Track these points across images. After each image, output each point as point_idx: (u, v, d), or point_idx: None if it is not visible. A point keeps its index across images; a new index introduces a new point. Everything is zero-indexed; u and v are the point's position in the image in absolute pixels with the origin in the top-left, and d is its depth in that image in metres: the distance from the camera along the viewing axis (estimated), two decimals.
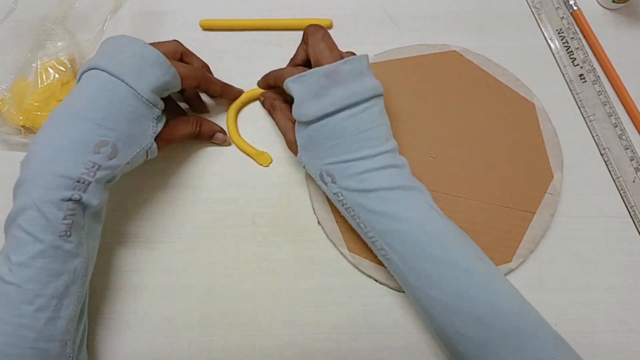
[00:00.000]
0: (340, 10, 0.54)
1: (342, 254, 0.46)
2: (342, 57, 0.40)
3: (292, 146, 0.43)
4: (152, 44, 0.42)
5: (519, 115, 0.49)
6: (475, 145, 0.49)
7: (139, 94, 0.39)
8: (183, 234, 0.47)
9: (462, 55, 0.51)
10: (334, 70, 0.39)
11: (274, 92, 0.49)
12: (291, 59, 0.47)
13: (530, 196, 0.47)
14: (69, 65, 0.49)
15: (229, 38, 0.53)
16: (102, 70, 0.38)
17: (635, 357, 0.44)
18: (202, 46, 0.51)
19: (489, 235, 0.46)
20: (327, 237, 0.47)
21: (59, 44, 0.49)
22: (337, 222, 0.46)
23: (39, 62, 0.48)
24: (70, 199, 0.36)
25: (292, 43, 0.53)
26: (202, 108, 0.50)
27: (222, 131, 0.49)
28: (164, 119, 0.43)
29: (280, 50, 0.53)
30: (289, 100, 0.45)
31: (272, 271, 0.46)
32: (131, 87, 0.38)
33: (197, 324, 0.45)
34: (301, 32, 0.53)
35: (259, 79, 0.50)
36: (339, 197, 0.40)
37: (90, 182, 0.37)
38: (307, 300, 0.46)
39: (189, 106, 0.50)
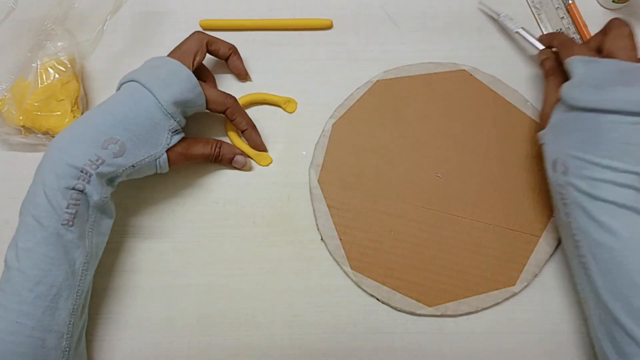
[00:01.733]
0: (340, 10, 0.54)
1: (344, 272, 0.46)
2: (633, 58, 0.39)
3: (544, 117, 0.43)
4: (177, 48, 0.45)
5: (526, 137, 0.49)
6: (482, 166, 0.48)
7: (159, 102, 0.41)
8: (183, 234, 0.47)
9: (471, 75, 0.51)
10: (630, 69, 0.38)
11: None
12: (585, 42, 0.45)
13: (536, 219, 0.47)
14: (69, 65, 0.49)
15: (229, 38, 0.53)
16: (136, 81, 0.42)
17: None
18: None
19: (493, 258, 0.46)
20: (330, 254, 0.46)
21: (59, 44, 0.49)
22: (340, 239, 0.46)
23: (39, 62, 0.48)
24: (73, 188, 0.37)
25: (292, 43, 0.53)
26: (247, 126, 0.48)
27: (243, 154, 0.48)
28: (182, 135, 0.44)
29: (280, 50, 0.53)
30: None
31: (272, 271, 0.46)
32: (154, 96, 0.41)
33: (197, 324, 0.45)
34: (301, 32, 0.53)
35: (544, 34, 0.49)
36: (562, 190, 0.39)
37: (91, 175, 0.38)
38: (307, 300, 0.46)
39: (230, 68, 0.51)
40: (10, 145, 0.50)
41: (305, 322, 0.45)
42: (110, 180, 0.41)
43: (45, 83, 0.48)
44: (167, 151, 0.43)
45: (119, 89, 0.43)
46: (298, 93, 0.51)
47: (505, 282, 0.45)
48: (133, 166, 0.41)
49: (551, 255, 0.46)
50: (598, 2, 0.54)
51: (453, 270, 0.45)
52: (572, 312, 0.45)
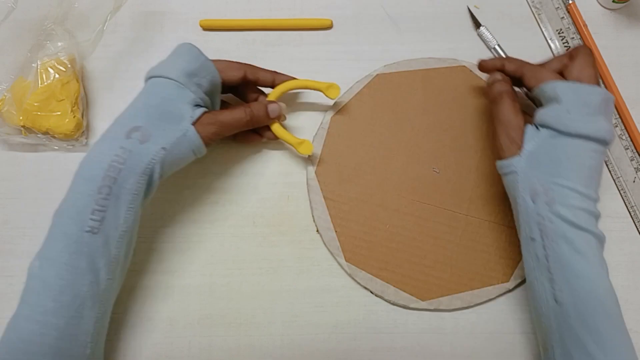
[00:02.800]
0: (340, 10, 0.54)
1: (339, 263, 0.46)
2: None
3: (508, 144, 0.40)
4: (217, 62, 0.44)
5: None
6: (479, 162, 0.48)
7: (171, 78, 0.40)
8: (183, 234, 0.47)
9: (471, 71, 0.51)
10: (608, 100, 0.38)
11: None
12: (542, 64, 0.43)
13: None
14: (69, 66, 0.49)
15: (229, 38, 0.53)
16: (148, 77, 0.42)
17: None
18: (202, 46, 0.51)
19: (488, 254, 0.46)
20: (325, 245, 0.47)
21: (59, 44, 0.49)
22: (335, 231, 0.46)
23: (38, 62, 0.48)
24: (99, 192, 0.36)
25: (292, 43, 0.53)
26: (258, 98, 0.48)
27: (274, 102, 0.45)
28: (205, 110, 0.42)
29: (280, 50, 0.53)
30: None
31: (272, 271, 0.46)
32: (167, 77, 0.41)
33: (197, 324, 0.45)
34: (301, 32, 0.53)
35: (485, 59, 0.45)
36: (543, 221, 0.37)
37: (120, 170, 0.37)
38: (307, 300, 0.46)
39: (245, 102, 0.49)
40: (10, 145, 0.50)
41: (305, 322, 0.45)
42: (150, 179, 0.38)
43: (46, 83, 0.48)
44: (195, 126, 0.40)
45: None
46: (298, 93, 0.51)
47: (499, 279, 0.45)
48: (164, 148, 0.39)
49: None
50: (598, 2, 0.54)
51: (447, 265, 0.46)
52: None
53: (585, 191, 0.37)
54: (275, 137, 0.47)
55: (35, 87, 0.48)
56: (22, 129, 0.48)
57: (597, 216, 0.37)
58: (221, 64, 0.44)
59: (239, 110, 0.43)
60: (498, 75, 0.43)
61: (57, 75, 0.48)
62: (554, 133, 0.38)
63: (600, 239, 0.37)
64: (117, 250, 0.37)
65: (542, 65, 0.42)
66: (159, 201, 0.48)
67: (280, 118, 0.46)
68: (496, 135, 0.41)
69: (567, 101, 0.38)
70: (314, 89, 0.48)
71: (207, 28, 0.53)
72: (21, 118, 0.47)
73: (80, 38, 0.51)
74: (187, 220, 0.48)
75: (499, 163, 0.41)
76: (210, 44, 0.52)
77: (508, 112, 0.41)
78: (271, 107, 0.45)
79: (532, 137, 0.39)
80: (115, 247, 0.37)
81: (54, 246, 0.35)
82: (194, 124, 0.41)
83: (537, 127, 0.40)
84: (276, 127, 0.47)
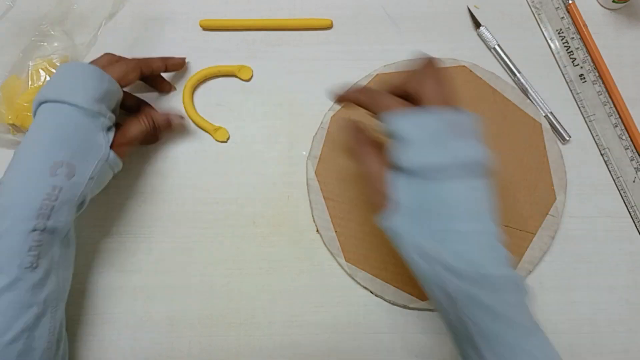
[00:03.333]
0: (340, 10, 0.54)
1: (338, 263, 0.46)
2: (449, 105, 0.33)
3: (378, 198, 0.34)
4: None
5: (525, 134, 0.49)
6: None
7: (81, 107, 0.39)
8: (183, 234, 0.47)
9: (470, 71, 0.51)
10: (457, 119, 0.33)
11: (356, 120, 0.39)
12: (389, 86, 0.37)
13: (532, 217, 0.47)
14: None
15: (229, 38, 0.53)
16: (46, 101, 0.40)
17: (636, 357, 0.44)
18: (202, 46, 0.51)
19: None
20: (325, 245, 0.47)
21: (55, 44, 0.49)
22: (335, 231, 0.46)
23: (31, 63, 0.48)
24: (34, 229, 0.36)
25: (293, 43, 0.53)
26: (166, 86, 0.51)
27: (173, 115, 0.47)
28: (114, 129, 0.43)
29: (280, 50, 0.53)
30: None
31: (272, 271, 0.46)
32: (72, 104, 0.39)
33: (197, 324, 0.45)
34: (301, 32, 0.53)
35: (338, 93, 0.39)
36: (435, 279, 0.31)
37: (53, 206, 0.37)
38: (307, 300, 0.46)
39: (154, 88, 0.51)
40: None
41: (305, 322, 0.45)
42: (79, 205, 0.40)
43: (36, 84, 0.48)
44: (112, 148, 0.42)
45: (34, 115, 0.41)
46: (298, 93, 0.51)
47: None
48: (91, 178, 0.40)
49: (545, 253, 0.46)
50: (598, 2, 0.54)
51: None
52: (566, 311, 0.45)
53: (480, 228, 0.31)
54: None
55: (27, 87, 0.48)
56: (10, 127, 0.48)
57: (505, 256, 0.31)
58: (116, 71, 0.43)
59: (140, 122, 0.45)
60: (353, 123, 0.39)
61: (47, 78, 0.48)
62: (415, 178, 0.32)
63: (519, 285, 0.31)
64: (56, 277, 0.38)
65: (388, 93, 0.36)
66: (159, 201, 0.48)
67: (182, 122, 0.49)
68: (365, 191, 0.36)
69: (409, 134, 0.32)
70: (228, 74, 0.51)
71: (207, 28, 0.53)
72: (10, 117, 0.47)
73: (77, 40, 0.51)
74: (186, 220, 0.48)
75: (376, 218, 0.35)
76: (210, 43, 0.52)
77: (373, 165, 0.35)
78: (171, 117, 0.47)
79: (400, 188, 0.33)
80: (55, 275, 0.38)
81: None
82: (111, 147, 0.42)
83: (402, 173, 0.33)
84: (194, 115, 0.50)
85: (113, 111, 0.43)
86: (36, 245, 0.36)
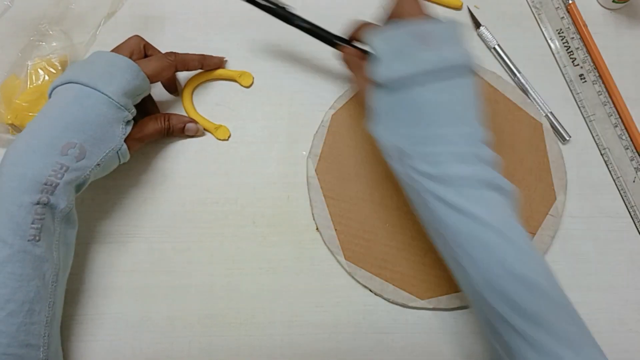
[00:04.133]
0: (340, 10, 0.54)
1: (338, 262, 0.46)
2: (427, 16, 0.36)
3: (366, 110, 0.38)
4: (116, 48, 0.45)
5: (525, 134, 0.49)
6: None
7: (111, 98, 0.40)
8: (183, 234, 0.47)
9: None
10: (424, 29, 0.34)
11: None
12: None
13: (532, 217, 0.47)
14: (59, 68, 0.48)
15: (229, 38, 0.53)
16: (75, 82, 0.40)
17: (636, 357, 0.44)
18: (202, 46, 0.51)
19: None
20: (325, 244, 0.47)
21: (54, 44, 0.49)
22: (335, 229, 0.46)
23: (29, 63, 0.48)
24: (38, 203, 0.36)
25: (292, 43, 0.53)
26: (176, 87, 0.51)
27: (193, 121, 0.49)
28: (132, 122, 0.44)
29: (279, 51, 0.52)
30: None
31: (272, 271, 0.46)
32: (104, 93, 0.40)
33: (197, 324, 0.45)
34: (301, 32, 0.53)
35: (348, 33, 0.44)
36: (408, 179, 0.35)
37: (57, 184, 0.37)
38: (307, 300, 0.46)
39: (167, 90, 0.51)
40: None
41: (305, 322, 0.45)
42: (78, 185, 0.40)
43: (35, 84, 0.48)
44: (125, 141, 0.42)
45: (50, 94, 0.42)
46: (298, 93, 0.51)
47: None
48: (98, 165, 0.40)
49: (545, 253, 0.46)
50: (598, 2, 0.54)
51: None
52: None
53: (431, 132, 0.33)
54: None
55: (25, 87, 0.48)
56: (9, 127, 0.48)
57: (474, 155, 0.33)
58: (151, 68, 0.44)
59: (158, 121, 0.47)
60: (348, 49, 0.43)
61: (47, 77, 0.48)
62: (385, 90, 0.35)
63: (491, 187, 0.33)
64: (57, 253, 0.39)
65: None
66: (159, 201, 0.48)
67: (197, 134, 0.49)
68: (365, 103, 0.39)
69: (378, 50, 0.35)
70: (229, 79, 0.51)
71: None
72: (9, 117, 0.47)
73: (76, 39, 0.50)
74: (186, 220, 0.48)
75: (366, 127, 0.39)
76: (210, 43, 0.52)
77: (359, 78, 0.40)
78: (189, 125, 0.48)
79: (374, 98, 0.37)
80: (56, 251, 0.38)
81: None
82: (125, 139, 0.42)
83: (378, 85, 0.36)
84: (194, 115, 0.50)
85: (136, 105, 0.44)
86: (39, 218, 0.36)
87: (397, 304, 0.45)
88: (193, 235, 0.47)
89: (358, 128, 0.49)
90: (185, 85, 0.50)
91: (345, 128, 0.49)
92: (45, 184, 0.37)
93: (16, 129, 0.48)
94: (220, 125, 0.50)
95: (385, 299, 0.45)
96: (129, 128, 0.43)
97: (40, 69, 0.48)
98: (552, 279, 0.33)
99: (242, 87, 0.51)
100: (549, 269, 0.33)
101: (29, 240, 0.36)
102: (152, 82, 0.44)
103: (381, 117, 0.36)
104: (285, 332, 0.45)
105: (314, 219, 0.47)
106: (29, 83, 0.48)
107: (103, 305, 0.45)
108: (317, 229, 0.47)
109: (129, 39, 0.46)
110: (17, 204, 0.36)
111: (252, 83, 0.51)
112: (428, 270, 0.46)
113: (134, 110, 0.43)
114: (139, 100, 0.44)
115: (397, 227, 0.47)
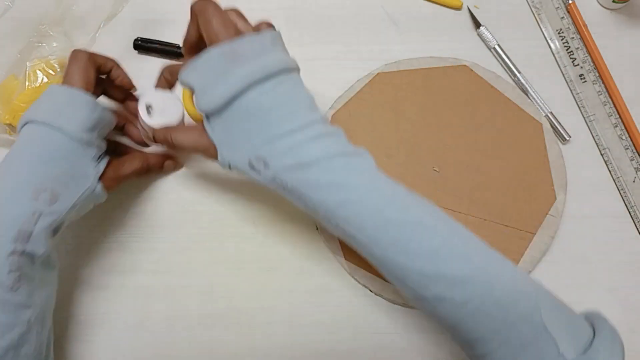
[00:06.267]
0: (340, 10, 0.54)
1: (338, 262, 0.46)
2: (240, 33, 0.36)
3: (211, 151, 0.38)
4: (66, 76, 0.41)
5: (525, 134, 0.49)
6: (479, 162, 0.48)
7: (72, 135, 0.39)
8: (183, 234, 0.47)
9: (471, 70, 0.51)
10: (231, 50, 0.34)
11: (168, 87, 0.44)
12: (183, 41, 0.39)
13: (532, 217, 0.47)
14: (58, 69, 0.48)
15: None
16: (33, 122, 0.39)
17: (636, 358, 0.44)
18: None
19: None
20: (325, 244, 0.47)
21: (54, 45, 0.49)
22: None
23: (28, 64, 0.48)
24: (13, 252, 0.35)
25: (293, 43, 0.53)
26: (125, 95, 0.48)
27: (171, 158, 0.48)
28: (106, 159, 0.43)
29: None
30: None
31: (272, 271, 0.46)
32: (62, 131, 0.38)
33: (197, 324, 0.45)
34: (302, 32, 0.53)
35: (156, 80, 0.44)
36: (277, 181, 0.35)
37: (32, 232, 0.36)
38: (307, 300, 0.46)
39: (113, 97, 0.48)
40: None
41: (305, 322, 0.45)
42: (55, 229, 0.38)
43: (33, 85, 0.48)
44: (101, 180, 0.41)
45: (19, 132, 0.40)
46: None
47: None
48: (73, 206, 0.39)
49: (545, 253, 0.46)
50: (598, 2, 0.54)
51: None
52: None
53: (279, 130, 0.34)
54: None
55: (24, 87, 0.48)
56: (7, 127, 0.48)
57: (322, 135, 0.34)
58: (77, 79, 0.41)
59: (137, 162, 0.45)
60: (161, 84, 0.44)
61: (45, 79, 0.48)
62: (215, 118, 0.36)
63: (345, 154, 0.34)
64: (39, 298, 0.37)
65: (183, 46, 0.40)
66: (159, 201, 0.48)
67: (175, 169, 0.49)
68: (203, 155, 0.40)
69: (196, 83, 0.36)
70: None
71: None
72: (7, 117, 0.47)
73: (76, 41, 0.51)
74: (186, 220, 0.48)
75: (220, 165, 0.39)
76: None
77: (181, 135, 0.40)
78: (167, 164, 0.48)
79: (210, 131, 0.37)
80: (38, 296, 0.37)
81: None
82: (100, 178, 0.41)
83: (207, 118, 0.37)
84: (194, 114, 0.48)
85: (110, 142, 0.43)
86: (16, 267, 0.35)
87: (397, 304, 0.45)
88: (193, 235, 0.47)
89: (358, 128, 0.49)
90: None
91: (345, 128, 0.49)
92: (19, 232, 0.35)
93: (14, 129, 0.48)
94: None
95: (385, 299, 0.45)
96: (102, 165, 0.42)
97: (39, 70, 0.48)
98: (435, 212, 0.35)
99: None
100: (425, 202, 0.35)
101: (7, 290, 0.35)
102: (88, 89, 0.41)
103: (228, 143, 0.36)
104: (285, 332, 0.45)
105: (314, 219, 0.47)
106: (27, 84, 0.48)
107: (103, 305, 0.45)
108: (317, 228, 0.47)
109: (71, 58, 0.42)
110: None
111: None
112: None
113: (102, 145, 0.42)
114: (105, 132, 0.43)
115: None
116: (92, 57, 0.42)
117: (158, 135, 0.42)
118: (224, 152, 0.37)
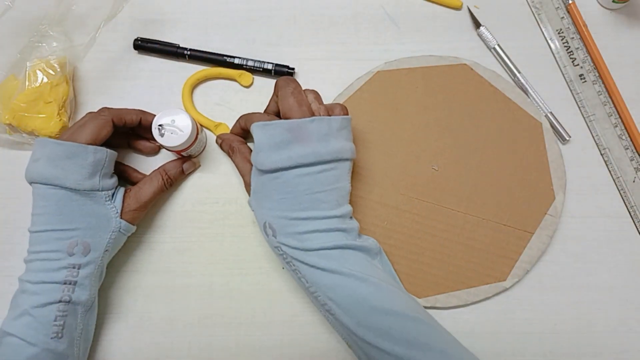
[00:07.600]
0: (340, 10, 0.54)
1: None
2: (312, 114, 0.40)
3: (248, 188, 0.44)
4: (82, 124, 0.42)
5: (525, 133, 0.49)
6: (479, 161, 0.48)
7: (72, 189, 0.40)
8: (183, 234, 0.47)
9: (471, 69, 0.51)
10: (298, 127, 0.39)
11: (240, 134, 0.47)
12: (265, 108, 0.46)
13: (530, 216, 0.47)
14: (58, 69, 0.48)
15: (229, 38, 0.53)
16: (37, 183, 0.40)
17: (636, 357, 0.44)
18: (202, 46, 0.51)
19: (485, 252, 0.46)
20: None
21: (54, 44, 0.49)
22: None
23: (28, 64, 0.48)
24: (60, 301, 0.38)
25: (293, 43, 0.53)
26: (146, 146, 0.48)
27: (187, 160, 0.48)
28: (121, 192, 0.43)
29: (279, 51, 0.52)
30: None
31: (272, 271, 0.46)
32: (65, 187, 0.40)
33: (197, 324, 0.45)
34: (302, 32, 0.53)
35: (221, 136, 0.48)
36: (279, 251, 0.40)
37: (75, 282, 0.39)
38: (307, 300, 0.46)
39: (133, 147, 0.49)
40: None
41: (305, 322, 0.45)
42: (99, 275, 0.42)
43: (33, 85, 0.47)
44: (122, 216, 0.42)
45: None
46: None
47: (497, 277, 0.45)
48: (106, 251, 0.41)
49: (544, 253, 0.46)
50: (598, 2, 0.54)
51: (444, 263, 0.46)
52: (566, 311, 0.45)
53: (303, 215, 0.39)
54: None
55: (24, 87, 0.47)
56: (7, 127, 0.48)
57: (334, 230, 0.39)
58: (89, 133, 0.41)
59: (156, 180, 0.45)
60: (223, 135, 0.48)
61: (45, 79, 0.48)
62: (259, 172, 0.41)
63: (346, 247, 0.39)
64: (78, 349, 0.40)
65: (262, 113, 0.46)
66: (159, 201, 0.48)
67: (196, 167, 0.49)
68: (243, 182, 0.45)
69: (258, 140, 0.40)
70: (229, 78, 0.51)
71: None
72: (7, 117, 0.47)
73: (76, 41, 0.50)
74: (187, 220, 0.48)
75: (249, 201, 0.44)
76: (210, 44, 0.52)
77: (240, 161, 0.45)
78: (185, 166, 0.47)
79: (253, 177, 0.42)
80: (77, 347, 0.40)
81: (18, 357, 0.37)
82: (121, 216, 0.42)
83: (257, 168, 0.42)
84: (193, 113, 0.50)
85: (112, 172, 0.43)
86: (61, 315, 0.38)
87: None
88: (193, 235, 0.47)
89: (357, 126, 0.49)
90: (184, 84, 0.50)
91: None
92: (65, 283, 0.39)
93: (14, 129, 0.48)
94: (220, 123, 0.50)
95: None
96: (118, 201, 0.42)
97: (39, 70, 0.48)
98: (416, 307, 0.39)
99: (242, 87, 0.51)
100: (410, 299, 0.40)
101: (52, 338, 0.38)
102: (96, 144, 0.41)
103: (259, 196, 0.41)
104: (285, 332, 0.45)
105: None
106: (27, 84, 0.47)
107: (103, 305, 0.45)
108: None
109: (93, 118, 0.42)
110: (40, 304, 0.38)
111: (252, 83, 0.51)
112: (425, 269, 0.46)
113: (110, 182, 0.42)
114: (109, 169, 0.42)
115: (395, 226, 0.47)
116: (118, 116, 0.43)
117: (224, 143, 0.47)
118: (253, 201, 0.42)
